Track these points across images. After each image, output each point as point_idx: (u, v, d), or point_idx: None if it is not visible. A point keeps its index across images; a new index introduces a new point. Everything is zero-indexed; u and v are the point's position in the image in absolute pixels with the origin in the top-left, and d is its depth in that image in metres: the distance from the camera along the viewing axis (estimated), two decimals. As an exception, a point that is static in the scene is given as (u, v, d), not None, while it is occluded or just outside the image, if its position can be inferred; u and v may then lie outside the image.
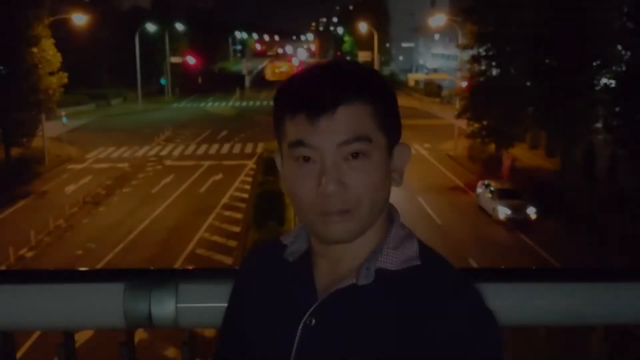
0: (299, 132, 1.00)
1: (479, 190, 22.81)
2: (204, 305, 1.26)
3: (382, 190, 1.03)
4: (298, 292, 1.08)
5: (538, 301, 1.31)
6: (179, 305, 1.22)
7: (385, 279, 1.01)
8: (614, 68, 24.88)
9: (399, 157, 1.07)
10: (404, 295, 1.00)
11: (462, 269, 1.12)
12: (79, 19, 38.58)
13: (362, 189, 1.00)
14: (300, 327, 1.04)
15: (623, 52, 23.75)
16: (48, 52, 27.66)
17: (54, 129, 32.78)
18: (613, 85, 24.22)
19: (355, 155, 0.99)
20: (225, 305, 1.22)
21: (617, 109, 22.34)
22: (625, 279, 1.35)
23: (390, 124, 1.04)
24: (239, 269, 1.22)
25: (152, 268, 1.32)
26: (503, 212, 20.56)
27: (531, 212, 20.58)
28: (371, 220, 1.04)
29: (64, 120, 33.54)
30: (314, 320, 1.03)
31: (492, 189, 21.84)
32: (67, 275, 1.29)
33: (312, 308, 1.04)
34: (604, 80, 25.94)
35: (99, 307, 1.16)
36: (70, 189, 25.12)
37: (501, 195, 21.19)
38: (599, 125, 25.89)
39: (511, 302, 1.30)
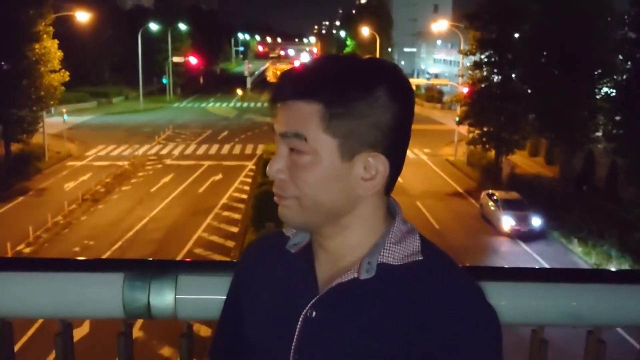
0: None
1: (483, 200, 22.33)
2: (203, 297, 1.25)
3: (326, 192, 1.01)
4: (299, 284, 1.08)
5: (535, 301, 1.31)
6: (178, 296, 1.22)
7: (386, 273, 1.01)
8: (615, 77, 24.92)
9: (368, 167, 1.01)
10: (406, 290, 1.00)
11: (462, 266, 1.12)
12: (82, 17, 38.58)
13: (299, 183, 1.02)
14: (301, 318, 1.04)
15: (624, 62, 23.78)
16: (50, 49, 27.66)
17: (54, 125, 32.78)
18: (614, 95, 24.24)
19: (294, 149, 1.01)
20: (225, 297, 1.22)
21: (618, 118, 22.36)
22: (624, 281, 1.35)
23: (347, 129, 0.99)
24: (240, 259, 1.22)
25: (151, 259, 1.32)
26: (507, 222, 20.04)
27: (536, 223, 20.10)
28: (316, 217, 1.04)
29: (65, 117, 33.51)
30: (314, 312, 1.03)
31: (495, 198, 21.37)
32: (67, 265, 1.29)
33: (313, 300, 1.04)
34: (604, 89, 25.98)
35: (98, 296, 1.16)
36: (69, 186, 25.11)
37: (505, 205, 20.65)
38: (599, 134, 25.92)
39: (508, 301, 1.30)
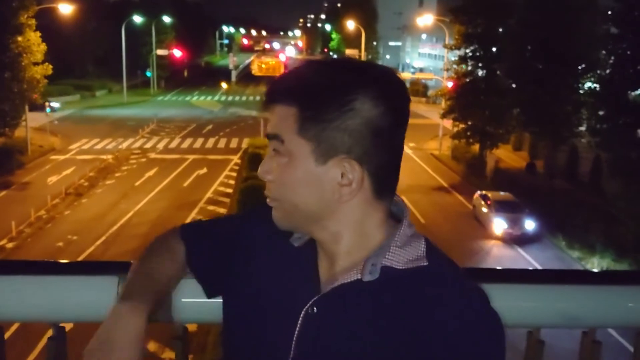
0: None
1: (475, 201, 21.55)
2: (200, 300, 1.24)
3: (301, 194, 1.02)
4: (302, 279, 1.08)
5: (531, 303, 1.31)
6: (174, 299, 1.21)
7: (390, 277, 1.01)
8: (598, 72, 25.12)
9: (344, 172, 1.00)
10: (409, 295, 1.00)
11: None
12: (65, 9, 38.20)
13: (279, 184, 1.04)
14: (302, 314, 1.04)
15: (607, 57, 23.96)
16: (33, 42, 27.38)
17: (37, 119, 32.44)
18: (597, 89, 24.43)
19: (276, 150, 1.04)
20: (222, 300, 1.21)
21: (601, 113, 22.54)
22: (619, 283, 1.36)
23: (318, 132, 0.99)
24: (248, 225, 1.21)
25: (147, 262, 1.30)
26: (499, 225, 19.26)
27: (529, 226, 19.32)
28: (297, 220, 1.05)
29: (48, 110, 33.20)
30: (315, 309, 1.04)
31: (489, 200, 20.51)
32: (61, 268, 1.27)
33: (315, 298, 1.04)
34: (588, 84, 26.19)
35: (92, 300, 1.14)
36: (52, 180, 24.91)
37: (498, 207, 19.83)
38: (582, 128, 26.14)
39: (504, 303, 1.29)
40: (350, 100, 0.99)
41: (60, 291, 1.24)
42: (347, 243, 1.05)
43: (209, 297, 1.21)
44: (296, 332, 1.04)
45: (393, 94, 1.03)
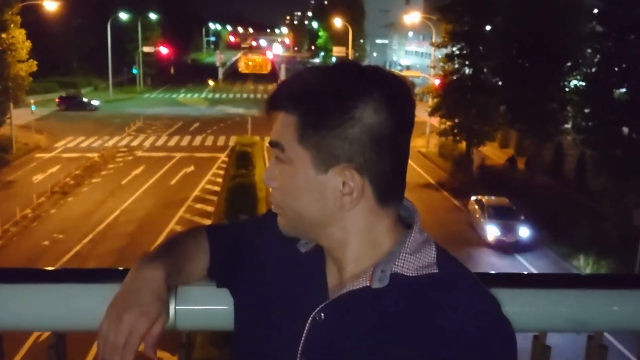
0: None
1: (470, 206, 20.80)
2: (203, 307, 1.22)
3: (302, 202, 1.02)
4: (309, 285, 1.07)
5: (538, 307, 1.31)
6: (177, 307, 1.18)
7: (400, 284, 0.99)
8: (584, 70, 25.33)
9: (346, 181, 0.99)
10: (419, 302, 0.99)
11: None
12: (50, 5, 37.86)
13: (282, 192, 1.04)
14: (309, 320, 1.03)
15: (593, 55, 24.16)
16: (17, 39, 27.15)
17: (22, 116, 32.18)
18: (583, 87, 24.64)
19: (278, 158, 1.03)
20: (225, 307, 1.20)
21: (587, 110, 22.73)
22: (628, 286, 1.35)
23: (318, 141, 0.98)
24: (257, 224, 1.22)
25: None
26: (492, 232, 18.52)
27: (524, 233, 18.56)
28: (300, 228, 1.05)
29: (33, 108, 32.95)
30: (323, 315, 1.03)
31: (483, 205, 19.84)
32: (64, 275, 1.25)
33: (323, 304, 1.03)
34: (574, 82, 26.41)
35: (95, 308, 1.12)
36: (38, 178, 24.74)
37: (492, 212, 19.12)
38: (568, 125, 26.36)
39: (510, 308, 1.29)
40: (351, 107, 0.97)
41: (62, 300, 1.21)
42: (354, 251, 1.04)
43: (218, 286, 1.22)
44: (303, 338, 1.03)
45: (396, 100, 1.00)
